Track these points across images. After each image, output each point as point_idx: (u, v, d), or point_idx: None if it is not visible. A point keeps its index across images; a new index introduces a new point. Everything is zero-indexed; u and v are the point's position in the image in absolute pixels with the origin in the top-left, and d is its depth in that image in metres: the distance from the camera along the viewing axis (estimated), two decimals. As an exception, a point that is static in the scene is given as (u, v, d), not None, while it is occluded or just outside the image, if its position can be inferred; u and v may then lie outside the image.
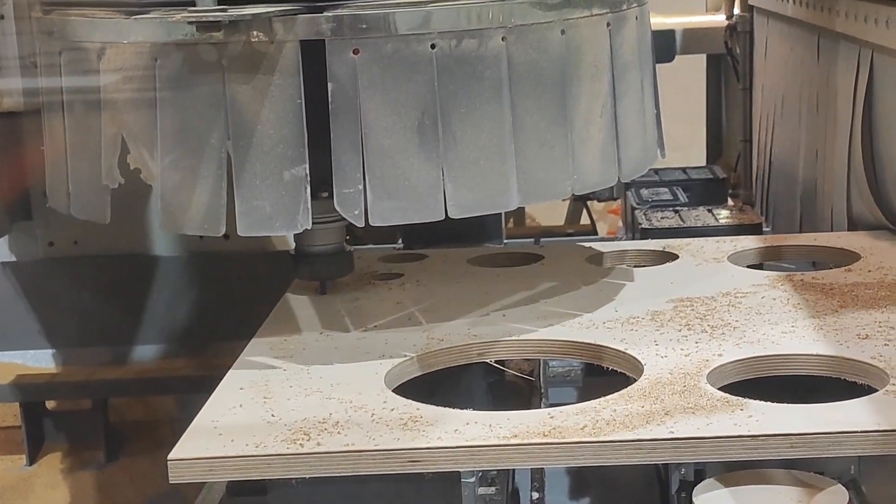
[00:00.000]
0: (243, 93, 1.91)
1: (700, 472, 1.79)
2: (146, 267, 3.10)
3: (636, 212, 2.93)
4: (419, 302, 2.27)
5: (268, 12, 1.87)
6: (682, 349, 1.94)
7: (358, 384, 1.87)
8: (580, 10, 2.04)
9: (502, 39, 1.95)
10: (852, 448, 1.63)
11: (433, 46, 1.92)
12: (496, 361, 2.18)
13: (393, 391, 1.86)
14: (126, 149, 2.01)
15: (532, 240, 3.13)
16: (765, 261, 2.53)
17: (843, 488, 1.72)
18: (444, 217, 1.96)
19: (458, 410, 1.75)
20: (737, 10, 3.70)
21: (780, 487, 1.73)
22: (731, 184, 3.81)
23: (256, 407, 1.81)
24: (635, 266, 2.50)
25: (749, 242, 2.57)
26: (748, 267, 2.43)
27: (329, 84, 1.90)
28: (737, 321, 2.06)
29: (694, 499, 1.72)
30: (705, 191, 3.18)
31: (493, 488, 1.88)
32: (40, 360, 3.16)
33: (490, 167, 1.97)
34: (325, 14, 1.89)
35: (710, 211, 2.90)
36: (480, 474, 1.79)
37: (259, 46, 1.89)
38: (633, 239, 2.90)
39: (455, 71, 1.93)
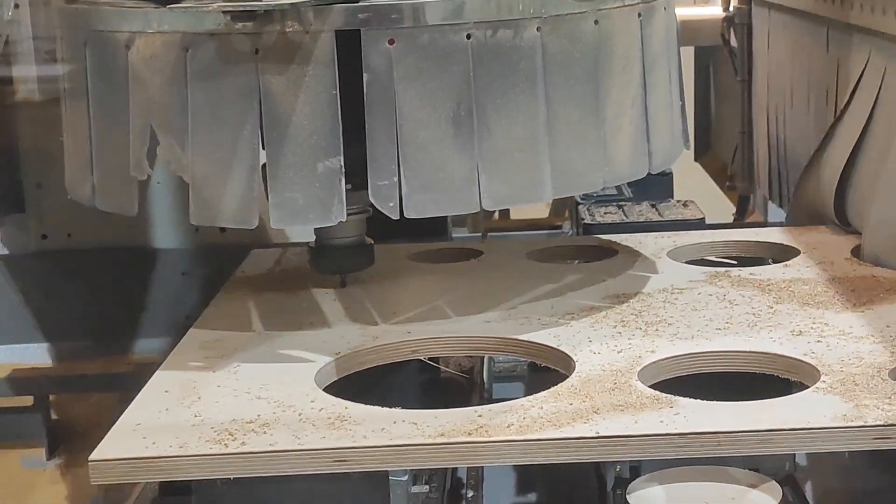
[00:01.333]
0: (277, 83, 1.88)
1: (636, 469, 1.79)
2: (141, 260, 3.06)
3: (580, 206, 2.91)
4: (360, 299, 2.25)
5: (304, 2, 1.85)
6: (615, 346, 1.93)
7: (288, 384, 1.85)
8: (613, 1, 2.03)
9: (537, 30, 1.94)
10: (780, 446, 1.62)
11: (469, 37, 1.90)
12: (432, 359, 2.17)
13: (324, 390, 1.84)
14: (155, 140, 1.98)
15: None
16: (704, 256, 2.52)
17: (777, 485, 1.72)
18: (478, 209, 1.96)
19: (386, 409, 1.73)
20: (733, 2, 3.67)
21: (714, 484, 1.72)
22: (728, 175, 3.81)
23: (182, 408, 1.78)
24: (575, 261, 2.50)
25: (688, 238, 2.56)
26: (687, 263, 2.43)
27: (364, 75, 1.88)
28: (672, 317, 2.05)
29: (628, 496, 1.72)
30: (651, 186, 3.16)
31: (427, 486, 1.87)
32: (35, 355, 3.12)
33: (524, 159, 1.96)
34: (360, 3, 1.88)
35: (653, 206, 2.88)
36: (414, 473, 1.78)
37: (294, 36, 1.87)
38: (577, 234, 2.89)
39: (490, 62, 1.92)
